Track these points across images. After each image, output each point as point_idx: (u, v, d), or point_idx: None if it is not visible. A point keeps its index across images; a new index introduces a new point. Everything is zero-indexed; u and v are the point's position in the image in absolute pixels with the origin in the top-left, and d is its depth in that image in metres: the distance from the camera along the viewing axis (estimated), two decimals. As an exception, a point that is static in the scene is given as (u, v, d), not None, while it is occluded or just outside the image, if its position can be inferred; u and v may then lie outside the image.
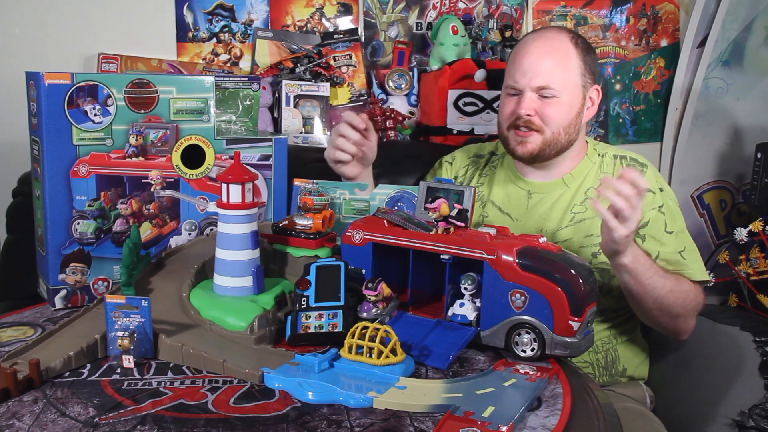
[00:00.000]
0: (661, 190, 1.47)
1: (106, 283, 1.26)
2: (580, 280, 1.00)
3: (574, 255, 1.08)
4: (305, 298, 1.07)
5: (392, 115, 2.03)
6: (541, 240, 1.08)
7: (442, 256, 1.08)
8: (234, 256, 1.10)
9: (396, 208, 1.37)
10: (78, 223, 1.23)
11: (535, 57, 1.40)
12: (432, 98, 1.99)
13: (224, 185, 1.09)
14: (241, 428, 0.83)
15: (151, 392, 0.92)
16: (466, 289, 1.07)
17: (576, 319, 1.00)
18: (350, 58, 2.09)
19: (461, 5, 2.16)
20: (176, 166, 1.29)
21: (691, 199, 2.37)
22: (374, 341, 0.95)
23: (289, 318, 1.07)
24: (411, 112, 2.08)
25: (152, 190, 1.27)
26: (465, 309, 1.08)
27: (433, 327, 1.08)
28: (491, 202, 1.52)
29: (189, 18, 2.00)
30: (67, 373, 0.97)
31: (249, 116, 1.48)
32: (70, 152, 1.20)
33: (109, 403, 0.88)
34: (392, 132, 2.03)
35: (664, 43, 2.33)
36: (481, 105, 1.95)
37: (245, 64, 2.04)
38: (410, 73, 2.08)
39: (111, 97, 1.22)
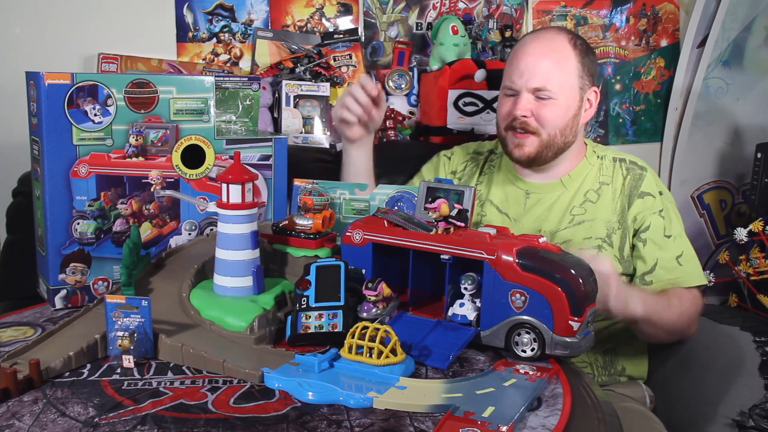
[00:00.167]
0: (660, 193, 1.48)
1: (106, 283, 1.26)
2: (580, 280, 1.00)
3: (574, 255, 1.08)
4: (305, 298, 1.07)
5: (392, 115, 2.03)
6: (541, 240, 1.08)
7: (442, 256, 1.08)
8: (234, 256, 1.10)
9: (396, 208, 1.37)
10: (78, 223, 1.23)
11: (533, 58, 1.40)
12: (432, 98, 1.99)
13: (224, 185, 1.09)
14: (241, 428, 0.83)
15: (151, 392, 0.92)
16: (466, 289, 1.07)
17: (576, 319, 1.00)
18: (350, 58, 2.09)
19: (461, 5, 2.16)
20: (176, 166, 1.29)
21: (691, 199, 2.37)
22: (374, 341, 0.95)
23: (289, 318, 1.07)
24: (411, 112, 2.08)
25: (152, 190, 1.27)
26: (465, 309, 1.08)
27: (433, 327, 1.08)
28: (489, 201, 1.52)
29: (189, 18, 2.00)
30: (67, 373, 0.97)
31: (249, 116, 1.48)
32: (70, 152, 1.20)
33: (109, 403, 0.88)
34: (392, 132, 2.03)
35: (664, 43, 2.33)
36: (481, 105, 1.95)
37: (245, 64, 2.04)
38: (410, 73, 2.08)
39: (111, 97, 1.22)
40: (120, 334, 0.99)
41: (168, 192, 1.26)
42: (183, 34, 2.00)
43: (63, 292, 1.23)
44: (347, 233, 1.16)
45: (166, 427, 0.83)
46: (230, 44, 2.03)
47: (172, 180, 1.29)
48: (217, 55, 2.03)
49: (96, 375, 0.97)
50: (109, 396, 0.90)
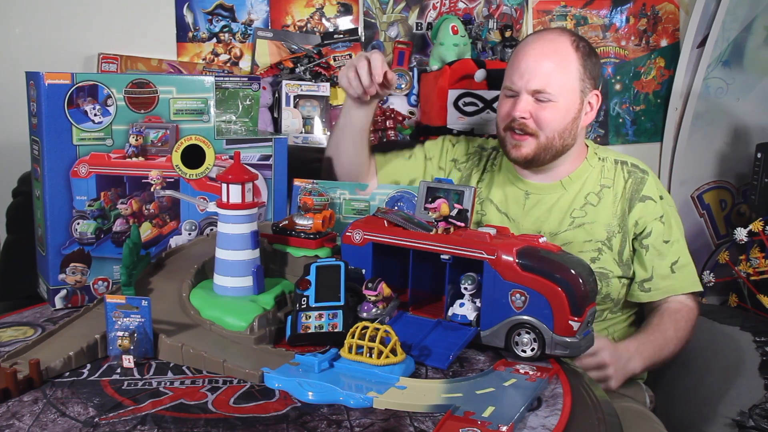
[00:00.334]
0: (661, 197, 1.47)
1: (106, 283, 1.26)
2: (580, 280, 1.00)
3: (574, 255, 1.08)
4: (305, 298, 1.07)
5: (392, 115, 2.03)
6: (541, 240, 1.08)
7: (442, 256, 1.08)
8: (234, 256, 1.10)
9: (396, 208, 1.37)
10: (78, 223, 1.23)
11: (533, 59, 1.39)
12: (432, 98, 1.99)
13: (224, 185, 1.09)
14: (241, 428, 0.83)
15: (151, 392, 0.91)
16: (466, 289, 1.07)
17: (576, 319, 1.00)
18: (350, 58, 2.09)
19: (461, 5, 2.16)
20: (176, 166, 1.29)
21: (691, 199, 2.37)
22: (374, 341, 0.95)
23: (289, 318, 1.07)
24: (411, 112, 2.08)
25: (152, 190, 1.27)
26: (465, 309, 1.08)
27: (433, 327, 1.08)
28: (489, 200, 1.51)
29: (189, 18, 2.00)
30: (67, 373, 0.97)
31: (249, 116, 1.48)
32: (70, 152, 1.20)
33: (109, 403, 0.88)
34: (392, 132, 2.03)
35: (664, 43, 2.33)
36: (481, 105, 1.95)
37: (245, 64, 2.04)
38: (410, 73, 2.08)
39: (111, 97, 1.22)
40: (120, 334, 0.99)
41: (168, 192, 1.26)
42: (183, 34, 2.00)
43: (63, 292, 1.23)
44: (347, 233, 1.16)
45: (166, 427, 0.83)
46: (230, 44, 2.03)
47: (172, 180, 1.29)
48: (217, 55, 2.03)
49: (96, 375, 0.97)
50: (109, 396, 0.90)
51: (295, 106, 1.99)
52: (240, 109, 1.46)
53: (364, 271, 1.14)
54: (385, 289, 1.07)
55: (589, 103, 1.44)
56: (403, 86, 2.08)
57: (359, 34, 2.10)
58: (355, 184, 1.41)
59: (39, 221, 1.26)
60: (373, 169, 1.58)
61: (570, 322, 1.00)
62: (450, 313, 1.09)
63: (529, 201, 1.48)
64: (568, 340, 1.00)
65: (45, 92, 1.17)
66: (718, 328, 1.62)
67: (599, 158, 1.50)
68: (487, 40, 2.13)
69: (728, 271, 2.11)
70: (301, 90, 2.00)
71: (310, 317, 1.06)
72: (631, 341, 1.39)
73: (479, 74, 1.94)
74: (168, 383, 0.94)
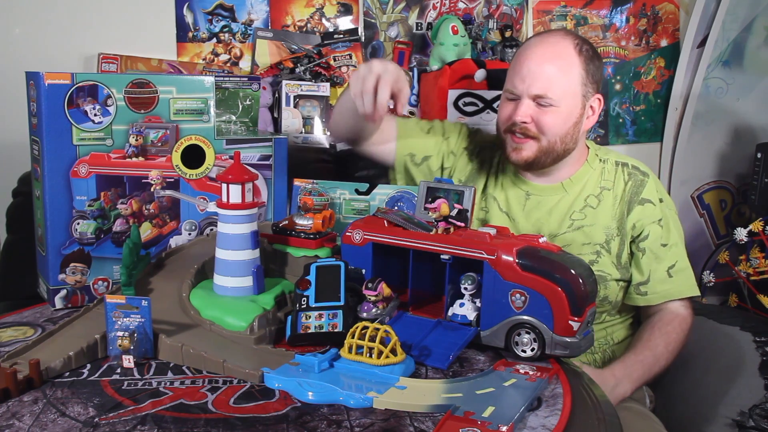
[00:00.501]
0: (660, 200, 1.47)
1: (106, 283, 1.26)
2: (580, 280, 1.00)
3: (574, 255, 1.08)
4: (305, 298, 1.07)
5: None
6: (541, 240, 1.08)
7: (442, 256, 1.08)
8: (234, 256, 1.10)
9: (396, 208, 1.37)
10: (78, 223, 1.23)
11: (535, 63, 1.37)
12: (432, 98, 1.99)
13: (224, 185, 1.09)
14: (241, 428, 0.83)
15: (151, 392, 0.91)
16: (466, 289, 1.07)
17: (576, 319, 1.00)
18: (350, 58, 2.09)
19: (461, 5, 2.16)
20: (176, 166, 1.29)
21: (691, 199, 2.37)
22: (374, 341, 0.95)
23: (289, 318, 1.07)
24: (411, 112, 2.08)
25: (152, 190, 1.27)
26: (465, 309, 1.08)
27: (433, 327, 1.08)
28: (494, 198, 1.50)
29: (189, 18, 2.00)
30: (67, 373, 0.97)
31: (249, 116, 1.48)
32: (70, 152, 1.20)
33: (109, 403, 0.88)
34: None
35: (664, 43, 2.33)
36: (481, 105, 1.95)
37: (245, 64, 2.04)
38: (410, 73, 2.08)
39: (111, 97, 1.22)
40: (120, 334, 0.99)
41: (168, 192, 1.26)
42: (183, 34, 2.00)
43: (63, 292, 1.23)
44: (347, 233, 1.16)
45: (166, 427, 0.83)
46: (230, 44, 2.03)
47: (172, 180, 1.29)
48: (217, 55, 2.03)
49: (96, 375, 0.97)
50: (109, 396, 0.90)
51: (295, 106, 1.99)
52: (240, 109, 1.46)
53: (364, 271, 1.14)
54: (385, 289, 1.07)
55: (591, 107, 1.43)
56: (403, 86, 2.08)
57: (359, 34, 2.10)
58: (355, 184, 1.41)
59: (39, 221, 1.26)
60: (390, 135, 1.53)
61: (570, 322, 1.00)
62: (450, 313, 1.09)
63: (529, 202, 1.47)
64: (568, 340, 1.00)
65: (45, 92, 1.17)
66: (718, 328, 1.62)
67: (600, 160, 1.49)
68: (487, 40, 2.14)
69: (728, 271, 2.11)
70: (301, 90, 2.00)
71: (310, 317, 1.06)
72: (618, 365, 1.37)
73: (479, 74, 1.94)
74: (168, 383, 0.94)
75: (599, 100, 1.44)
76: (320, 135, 2.02)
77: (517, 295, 1.02)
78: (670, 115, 2.34)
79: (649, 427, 1.37)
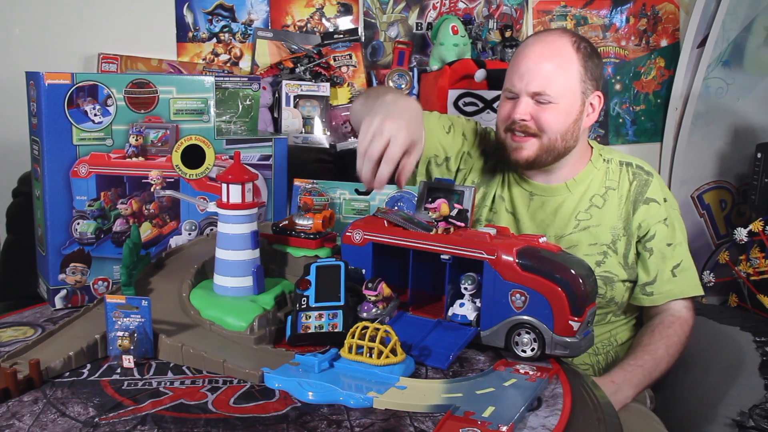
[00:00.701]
0: (665, 200, 1.46)
1: (106, 283, 1.26)
2: (580, 280, 1.00)
3: (574, 255, 1.08)
4: (305, 298, 1.07)
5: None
6: (541, 240, 1.08)
7: (442, 256, 1.08)
8: (234, 256, 1.10)
9: (396, 208, 1.37)
10: (78, 223, 1.23)
11: (533, 61, 1.37)
12: (432, 98, 1.99)
13: (224, 185, 1.09)
14: (241, 428, 0.83)
15: (151, 392, 0.91)
16: (466, 289, 1.07)
17: (576, 319, 1.00)
18: (350, 58, 2.09)
19: (461, 5, 2.16)
20: (176, 166, 1.29)
21: (691, 199, 2.37)
22: (374, 341, 0.95)
23: (289, 318, 1.07)
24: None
25: (152, 190, 1.27)
26: (465, 309, 1.08)
27: (433, 327, 1.08)
28: (501, 198, 1.49)
29: (189, 18, 2.00)
30: (67, 373, 0.97)
31: (249, 116, 1.48)
32: (70, 152, 1.20)
33: (109, 403, 0.88)
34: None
35: (664, 43, 2.33)
36: (481, 105, 1.95)
37: (245, 64, 2.04)
38: (410, 73, 2.08)
39: (111, 97, 1.22)
40: (120, 334, 0.99)
41: (168, 192, 1.26)
42: (183, 34, 2.00)
43: (63, 292, 1.23)
44: (347, 233, 1.16)
45: (166, 427, 0.83)
46: (230, 44, 2.03)
47: (172, 180, 1.29)
48: (217, 55, 2.03)
49: (96, 375, 0.96)
50: (109, 396, 0.90)
51: (295, 106, 1.99)
52: (240, 109, 1.46)
53: (364, 271, 1.14)
54: (385, 289, 1.07)
55: (591, 104, 1.43)
56: (403, 86, 2.08)
57: (359, 34, 2.10)
58: (356, 184, 1.41)
59: (39, 221, 1.26)
60: None
61: (570, 322, 1.00)
62: (450, 313, 1.09)
63: (533, 203, 1.47)
64: (568, 340, 1.00)
65: (45, 92, 1.17)
66: (718, 328, 1.62)
67: (604, 159, 1.49)
68: (487, 40, 2.14)
69: (728, 271, 2.11)
70: (301, 90, 2.00)
71: (310, 317, 1.06)
72: (617, 371, 1.37)
73: (479, 74, 1.94)
74: (168, 383, 0.94)
75: (599, 97, 1.44)
76: (320, 135, 2.02)
77: (517, 295, 1.02)
78: (670, 115, 2.34)
79: (650, 427, 1.37)
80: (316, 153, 1.95)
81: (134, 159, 1.25)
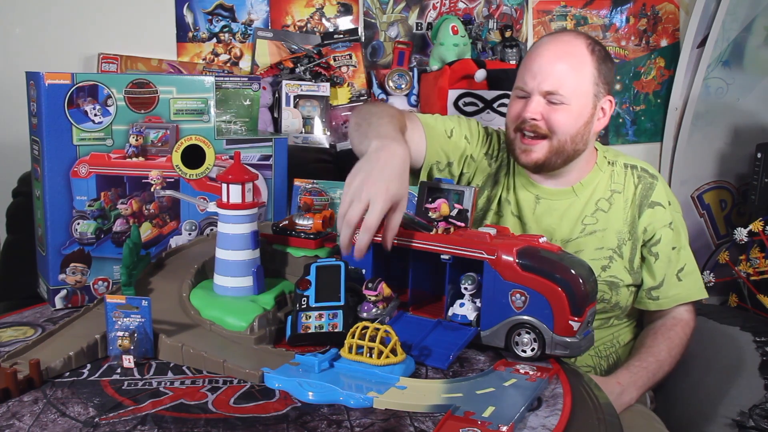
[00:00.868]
0: (669, 203, 1.45)
1: (106, 283, 1.26)
2: (580, 280, 1.00)
3: (574, 255, 1.08)
4: (305, 298, 1.07)
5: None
6: (542, 240, 1.08)
7: (442, 256, 1.08)
8: (234, 256, 1.10)
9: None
10: (78, 223, 1.23)
11: (547, 60, 1.35)
12: (432, 98, 1.99)
13: (224, 185, 1.09)
14: (241, 428, 0.83)
15: (151, 392, 0.91)
16: (466, 289, 1.07)
17: (576, 319, 1.00)
18: (350, 58, 2.09)
19: (461, 5, 2.16)
20: (176, 166, 1.29)
21: (691, 199, 2.37)
22: (374, 341, 0.95)
23: (289, 318, 1.07)
24: (410, 112, 2.08)
25: (152, 190, 1.27)
26: (465, 309, 1.08)
27: (433, 327, 1.08)
28: (507, 201, 1.47)
29: (189, 18, 2.00)
30: (67, 373, 0.97)
31: (249, 116, 1.48)
32: (70, 152, 1.21)
33: (109, 403, 0.88)
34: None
35: (664, 43, 2.33)
36: (481, 105, 1.95)
37: (245, 64, 2.04)
38: (410, 73, 2.08)
39: (111, 97, 1.22)
40: (120, 334, 0.99)
41: (168, 192, 1.26)
42: (183, 34, 2.00)
43: (63, 292, 1.23)
44: (347, 233, 1.16)
45: (166, 427, 0.83)
46: (230, 44, 2.03)
47: (172, 180, 1.29)
48: (217, 55, 2.03)
49: (96, 375, 0.97)
50: (109, 396, 0.90)
51: (295, 106, 1.99)
52: (240, 109, 1.46)
53: (364, 271, 1.14)
54: (385, 289, 1.07)
55: (602, 108, 1.40)
56: (403, 86, 2.08)
57: (359, 34, 2.10)
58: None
59: (39, 221, 1.26)
60: (418, 145, 1.43)
61: (570, 322, 1.00)
62: (450, 313, 1.09)
63: (539, 206, 1.44)
64: (568, 340, 1.00)
65: (45, 92, 1.17)
66: (718, 328, 1.62)
67: (609, 162, 1.47)
68: (487, 40, 2.14)
69: (728, 271, 2.11)
70: (301, 90, 2.00)
71: (310, 317, 1.06)
72: (623, 372, 1.37)
73: (479, 74, 1.94)
74: (168, 383, 0.94)
75: (610, 102, 1.41)
76: (320, 135, 2.02)
77: (517, 295, 1.02)
78: (670, 115, 2.34)
79: (650, 427, 1.37)
80: (316, 153, 1.95)
81: (134, 159, 1.25)
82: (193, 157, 1.30)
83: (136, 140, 1.24)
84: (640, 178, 1.46)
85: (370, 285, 1.06)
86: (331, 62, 2.06)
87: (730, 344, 1.57)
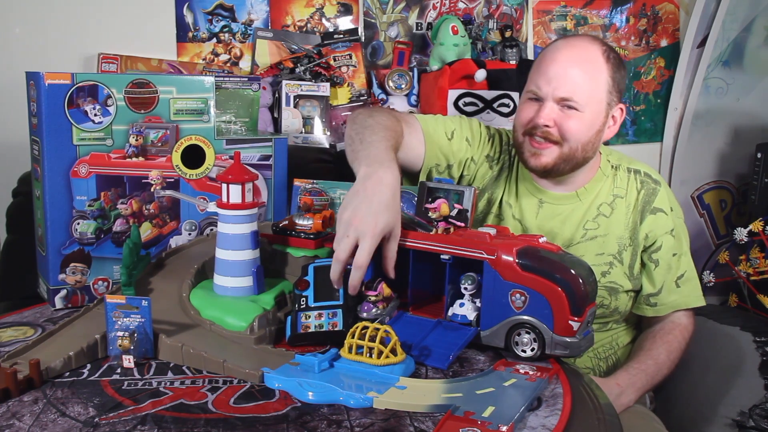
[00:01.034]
0: (671, 209, 1.44)
1: (106, 283, 1.26)
2: (580, 280, 1.00)
3: (573, 255, 1.08)
4: (304, 299, 1.07)
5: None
6: (541, 240, 1.08)
7: (442, 256, 1.08)
8: (234, 256, 1.10)
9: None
10: (78, 223, 1.23)
11: (562, 66, 1.32)
12: (432, 98, 1.99)
13: (224, 185, 1.09)
14: (241, 428, 0.83)
15: (151, 392, 0.92)
16: (466, 289, 1.07)
17: (576, 319, 1.00)
18: (350, 58, 2.09)
19: (461, 5, 2.16)
20: (176, 166, 1.29)
21: (691, 199, 2.37)
22: (374, 341, 0.95)
23: (289, 318, 1.07)
24: (411, 113, 2.08)
25: (152, 190, 1.27)
26: (465, 309, 1.08)
27: (433, 327, 1.08)
28: (508, 204, 1.46)
29: (189, 18, 2.00)
30: (67, 373, 0.97)
31: (249, 116, 1.48)
32: (70, 152, 1.21)
33: (109, 403, 0.88)
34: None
35: (664, 43, 2.33)
36: (481, 105, 1.95)
37: (245, 64, 2.04)
38: (410, 73, 2.08)
39: (111, 97, 1.22)
40: (120, 334, 0.99)
41: (168, 192, 1.26)
42: (183, 34, 2.00)
43: (63, 292, 1.23)
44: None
45: (166, 427, 0.83)
46: (230, 44, 2.03)
47: (172, 180, 1.29)
48: (217, 55, 2.03)
49: (96, 375, 0.97)
50: (109, 396, 0.90)
51: (295, 106, 1.99)
52: (240, 109, 1.46)
53: (363, 271, 1.14)
54: (385, 289, 1.07)
55: (613, 116, 1.39)
56: (403, 86, 2.08)
57: (359, 34, 2.10)
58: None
59: (39, 221, 1.26)
60: (417, 148, 1.42)
61: (570, 322, 1.00)
62: (450, 313, 1.09)
63: (542, 210, 1.43)
64: (568, 340, 1.00)
65: (45, 92, 1.17)
66: (718, 328, 1.62)
67: (612, 166, 1.45)
68: (487, 40, 2.14)
69: (728, 271, 2.11)
70: (301, 90, 2.00)
71: (309, 317, 1.06)
72: (622, 373, 1.37)
73: (479, 74, 1.94)
74: (168, 383, 0.94)
75: (621, 110, 1.39)
76: (320, 135, 2.02)
77: (517, 295, 1.02)
78: (670, 115, 2.34)
79: (650, 427, 1.37)
80: (316, 153, 1.94)
81: (134, 159, 1.25)
82: (193, 157, 1.30)
83: (136, 140, 1.24)
84: (643, 183, 1.44)
85: (370, 285, 1.06)
86: (331, 62, 2.06)
87: (730, 344, 1.57)
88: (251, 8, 2.03)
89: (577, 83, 1.31)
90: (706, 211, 2.39)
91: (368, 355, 0.95)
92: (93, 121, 1.21)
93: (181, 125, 1.27)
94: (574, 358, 1.08)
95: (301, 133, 2.00)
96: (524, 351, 1.03)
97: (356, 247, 1.04)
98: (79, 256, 1.23)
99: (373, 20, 2.11)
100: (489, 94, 1.95)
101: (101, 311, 1.04)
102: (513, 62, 2.07)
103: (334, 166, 1.93)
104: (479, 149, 1.48)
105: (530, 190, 1.44)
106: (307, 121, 2.01)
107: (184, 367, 0.99)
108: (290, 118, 1.99)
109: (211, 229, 1.33)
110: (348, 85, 2.09)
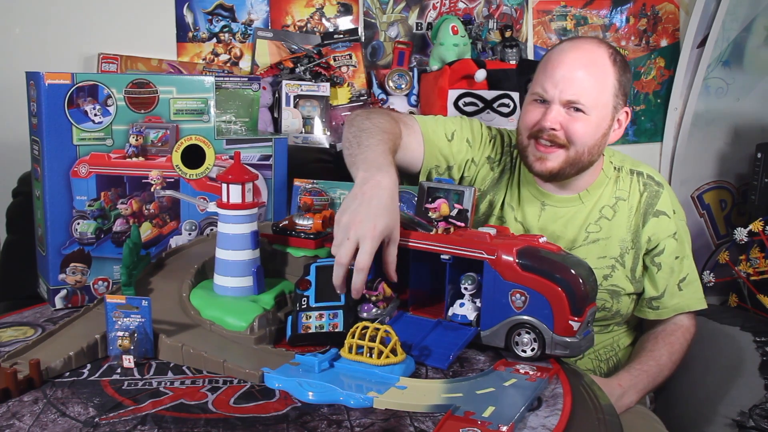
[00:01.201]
0: (674, 212, 1.44)
1: (106, 283, 1.26)
2: (580, 280, 1.00)
3: (574, 255, 1.08)
4: (305, 299, 1.07)
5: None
6: (541, 240, 1.08)
7: (442, 256, 1.08)
8: (234, 256, 1.10)
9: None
10: (78, 223, 1.23)
11: (569, 68, 1.30)
12: (432, 98, 1.99)
13: (224, 185, 1.09)
14: (241, 428, 0.83)
15: (151, 392, 0.92)
16: (466, 289, 1.07)
17: (576, 319, 1.00)
18: (350, 58, 2.09)
19: (461, 5, 2.16)
20: (176, 166, 1.29)
21: (691, 199, 2.37)
22: (374, 341, 0.95)
23: (290, 318, 1.07)
24: (411, 112, 2.08)
25: (152, 190, 1.27)
26: (465, 309, 1.08)
27: (433, 327, 1.08)
28: (510, 206, 1.45)
29: (189, 18, 2.00)
30: (67, 373, 0.97)
31: (249, 116, 1.48)
32: (70, 152, 1.21)
33: (109, 403, 0.88)
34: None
35: (664, 43, 2.33)
36: (481, 105, 1.95)
37: (245, 64, 2.04)
38: (410, 73, 2.08)
39: (111, 97, 1.22)
40: (120, 334, 0.99)
41: (168, 192, 1.26)
42: (183, 34, 2.00)
43: (63, 292, 1.23)
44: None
45: (166, 427, 0.83)
46: (230, 44, 2.03)
47: (172, 180, 1.29)
48: (217, 55, 2.03)
49: (96, 375, 0.97)
50: (109, 396, 0.90)
51: (295, 106, 1.99)
52: (240, 109, 1.46)
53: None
54: (385, 289, 1.07)
55: (618, 119, 1.37)
56: (403, 86, 2.08)
57: (359, 34, 2.10)
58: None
59: (39, 221, 1.26)
60: (416, 150, 1.41)
61: (570, 322, 1.00)
62: (450, 313, 1.09)
63: (544, 213, 1.42)
64: (568, 340, 1.00)
65: (45, 92, 1.17)
66: (718, 328, 1.62)
67: (615, 168, 1.44)
68: (487, 40, 2.14)
69: (728, 271, 2.11)
70: (301, 90, 2.00)
71: (310, 317, 1.06)
72: (624, 374, 1.37)
73: (479, 74, 1.94)
74: (168, 383, 0.94)
75: (627, 113, 1.39)
76: (320, 135, 2.02)
77: (517, 295, 1.02)
78: (670, 115, 2.34)
79: (650, 427, 1.37)
80: (316, 153, 1.94)
81: (134, 159, 1.25)
82: (193, 157, 1.30)
83: (136, 140, 1.24)
84: (646, 185, 1.43)
85: (370, 285, 1.06)
86: (331, 62, 2.06)
87: (730, 344, 1.57)
88: (251, 8, 2.03)
89: (584, 86, 1.30)
90: (706, 211, 2.39)
91: (368, 355, 0.95)
92: (93, 121, 1.21)
93: (181, 125, 1.27)
94: (574, 358, 1.08)
95: (301, 133, 2.00)
96: (524, 351, 1.03)
97: (357, 250, 1.03)
98: (79, 256, 1.23)
99: (373, 20, 2.11)
100: (489, 94, 1.95)
101: (101, 311, 1.04)
102: (513, 62, 2.07)
103: (334, 166, 1.93)
104: (480, 150, 1.47)
105: (532, 192, 1.43)
106: (307, 121, 2.01)
107: (184, 367, 0.99)
108: (290, 118, 1.99)
109: (211, 229, 1.33)
110: (348, 85, 2.09)
